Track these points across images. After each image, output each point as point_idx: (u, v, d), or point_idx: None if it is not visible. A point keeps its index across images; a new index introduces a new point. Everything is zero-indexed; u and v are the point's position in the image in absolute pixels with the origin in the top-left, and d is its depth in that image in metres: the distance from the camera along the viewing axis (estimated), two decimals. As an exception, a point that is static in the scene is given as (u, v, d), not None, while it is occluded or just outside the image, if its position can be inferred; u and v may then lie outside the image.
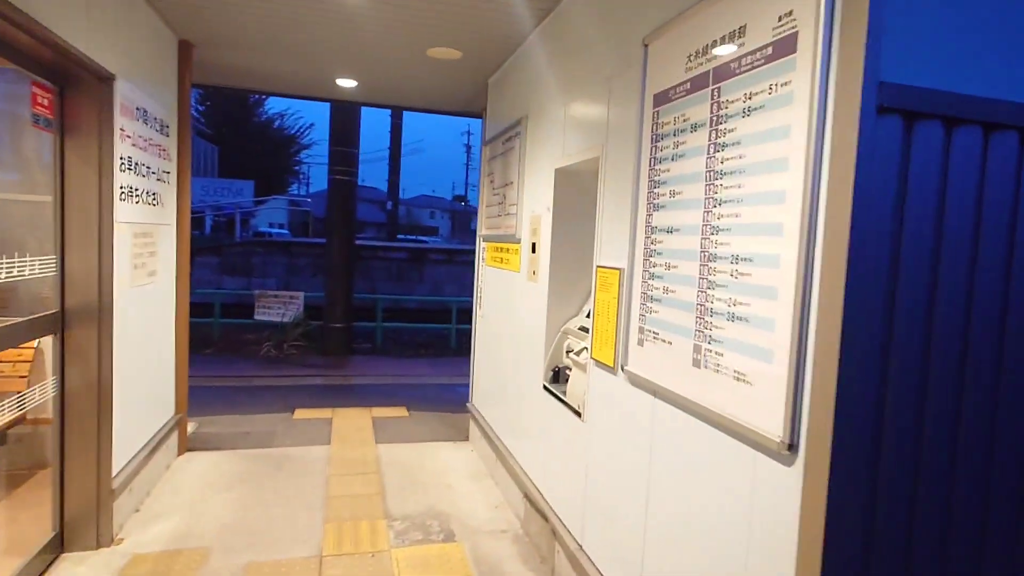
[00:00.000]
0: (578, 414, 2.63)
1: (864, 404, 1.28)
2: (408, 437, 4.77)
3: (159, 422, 3.71)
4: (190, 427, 4.45)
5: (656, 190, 2.00)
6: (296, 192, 35.87)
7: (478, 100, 5.01)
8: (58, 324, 2.71)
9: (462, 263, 13.92)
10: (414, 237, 30.76)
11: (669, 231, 1.92)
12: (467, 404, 4.83)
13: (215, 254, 13.17)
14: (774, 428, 1.42)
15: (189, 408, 4.19)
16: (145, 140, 3.25)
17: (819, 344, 1.31)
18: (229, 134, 24.46)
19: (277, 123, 27.09)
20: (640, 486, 2.07)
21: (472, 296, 4.69)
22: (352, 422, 5.08)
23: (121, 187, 2.91)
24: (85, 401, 2.78)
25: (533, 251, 3.30)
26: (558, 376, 3.04)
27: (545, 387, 3.06)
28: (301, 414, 5.25)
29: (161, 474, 3.72)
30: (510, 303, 3.74)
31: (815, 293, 1.33)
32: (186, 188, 3.90)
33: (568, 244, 3.05)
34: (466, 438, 4.78)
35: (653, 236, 2.02)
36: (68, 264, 2.73)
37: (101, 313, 2.79)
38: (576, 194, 3.00)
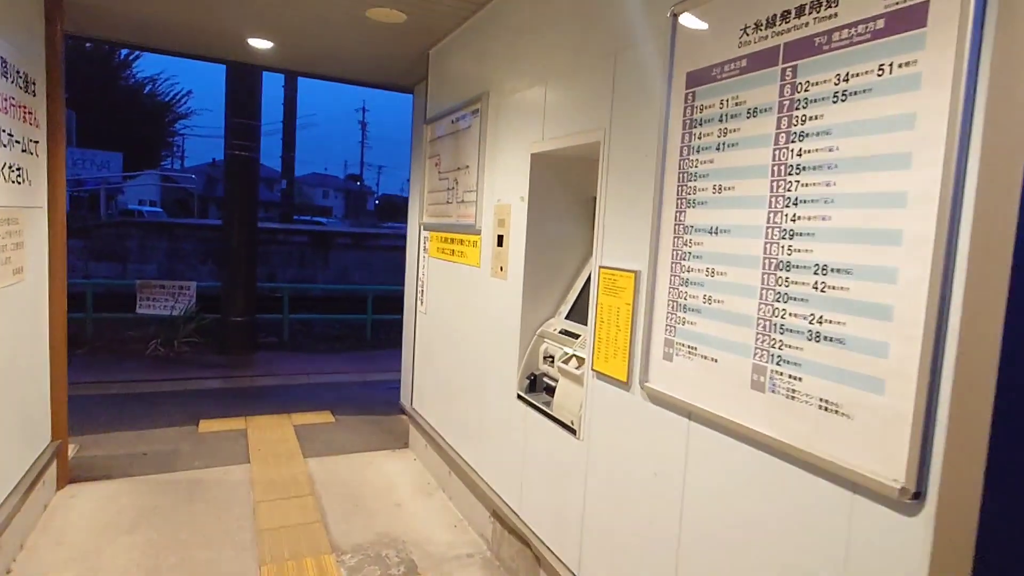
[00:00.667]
0: (572, 431, 2.35)
1: (1016, 445, 1.10)
2: (340, 447, 4.28)
3: (31, 454, 2.98)
4: (70, 451, 3.68)
5: (692, 183, 1.74)
6: (169, 167, 32.54)
7: (413, 73, 4.52)
8: None
9: (372, 248, 13.16)
10: (309, 218, 29.08)
11: (713, 231, 1.67)
12: (406, 407, 4.41)
13: (80, 236, 11.47)
14: (889, 471, 1.21)
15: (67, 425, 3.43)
16: (5, 99, 2.52)
17: (962, 374, 1.11)
18: (89, 98, 21.38)
19: (148, 88, 24.17)
20: (669, 520, 1.83)
21: (395, 284, 4.24)
22: (271, 433, 4.48)
23: (-24, 160, 2.22)
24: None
25: (500, 244, 2.96)
26: (535, 384, 2.75)
27: (521, 396, 2.75)
28: (208, 426, 4.57)
29: (38, 518, 3.00)
30: (468, 301, 3.38)
31: (954, 315, 1.12)
32: (60, 161, 3.14)
33: (546, 238, 2.74)
34: (405, 445, 4.38)
35: (687, 236, 1.76)
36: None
37: (-49, 327, 2.11)
38: (558, 183, 2.69)
